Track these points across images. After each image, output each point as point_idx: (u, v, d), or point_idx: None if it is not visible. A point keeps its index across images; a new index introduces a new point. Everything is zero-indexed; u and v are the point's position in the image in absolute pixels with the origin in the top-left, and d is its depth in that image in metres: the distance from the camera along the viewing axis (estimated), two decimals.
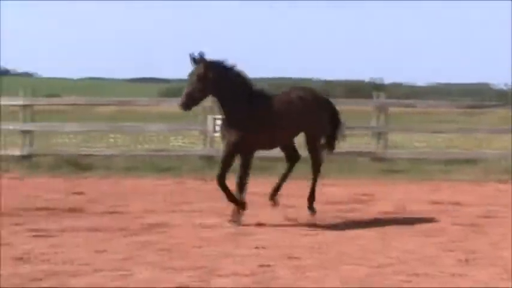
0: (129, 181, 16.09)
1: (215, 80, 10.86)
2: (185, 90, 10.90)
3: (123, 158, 18.36)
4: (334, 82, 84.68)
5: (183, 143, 22.20)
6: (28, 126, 18.39)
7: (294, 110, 11.53)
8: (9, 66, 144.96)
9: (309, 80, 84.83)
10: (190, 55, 10.88)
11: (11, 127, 19.15)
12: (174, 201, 13.36)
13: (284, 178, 12.11)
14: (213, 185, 15.39)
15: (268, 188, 12.12)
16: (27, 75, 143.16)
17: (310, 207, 11.94)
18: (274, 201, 11.98)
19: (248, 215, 11.53)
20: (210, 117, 18.03)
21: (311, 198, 11.97)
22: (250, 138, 11.15)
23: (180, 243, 9.75)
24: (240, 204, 11.26)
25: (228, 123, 11.23)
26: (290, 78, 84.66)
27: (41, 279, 7.68)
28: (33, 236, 10.01)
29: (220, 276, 8.00)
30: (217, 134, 17.84)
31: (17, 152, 18.29)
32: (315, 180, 11.99)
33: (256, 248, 9.50)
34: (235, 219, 11.19)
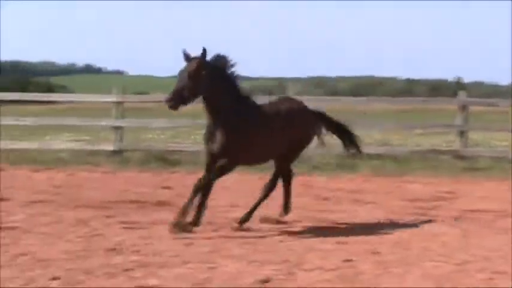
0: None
1: (207, 80, 9.71)
2: (174, 88, 9.70)
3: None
4: (417, 81, 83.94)
5: None
6: (119, 123, 18.58)
7: (283, 121, 10.44)
8: (101, 64, 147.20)
9: (393, 79, 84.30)
10: (183, 51, 9.79)
11: (103, 123, 19.39)
12: (257, 196, 13.34)
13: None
14: (298, 181, 15.46)
15: (354, 185, 12.02)
16: (117, 73, 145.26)
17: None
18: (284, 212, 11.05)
19: (333, 211, 11.48)
20: None
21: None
22: (242, 144, 10.01)
23: (265, 237, 9.74)
24: (197, 219, 9.94)
25: (217, 128, 9.93)
26: (373, 77, 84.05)
27: (132, 269, 7.75)
28: (124, 228, 10.12)
29: (305, 270, 7.97)
30: None
31: (109, 147, 18.50)
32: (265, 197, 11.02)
33: (340, 243, 9.44)
34: (178, 225, 9.79)
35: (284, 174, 11.05)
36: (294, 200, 12.69)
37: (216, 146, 9.92)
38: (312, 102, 22.02)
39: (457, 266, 8.21)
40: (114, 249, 8.71)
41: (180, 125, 21.20)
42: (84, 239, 9.27)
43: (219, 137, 9.88)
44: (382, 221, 11.16)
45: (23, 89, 41.01)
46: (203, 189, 9.93)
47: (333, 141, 20.30)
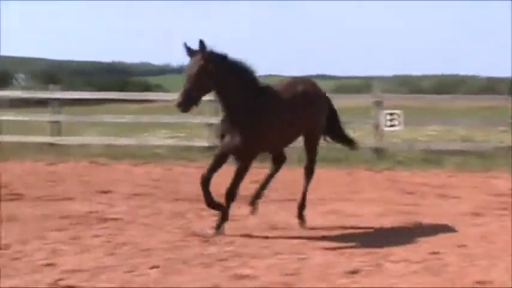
0: (303, 172, 16.09)
1: (217, 74, 8.77)
2: (183, 88, 8.70)
3: (298, 150, 18.37)
4: (497, 78, 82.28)
5: (356, 136, 22.05)
6: (212, 120, 18.71)
7: (300, 106, 9.57)
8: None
9: (474, 78, 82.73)
10: (184, 45, 8.84)
11: (197, 120, 19.54)
12: (346, 190, 13.33)
13: (268, 180, 10.33)
14: (383, 176, 15.39)
15: (439, 180, 11.89)
16: None
17: (300, 216, 10.10)
18: (254, 206, 10.15)
19: (419, 205, 11.41)
20: (383, 112, 17.85)
21: (302, 205, 10.19)
22: (260, 139, 9.18)
23: (355, 230, 9.71)
24: (226, 215, 9.32)
25: (233, 123, 9.04)
26: (457, 75, 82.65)
27: (226, 260, 7.84)
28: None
29: (391, 261, 7.95)
30: (391, 128, 17.78)
31: (203, 143, 18.65)
32: (308, 185, 10.33)
33: (425, 236, 9.36)
34: (218, 227, 9.23)
35: (278, 161, 10.29)
36: (380, 194, 12.69)
37: (231, 144, 9.04)
38: (397, 100, 21.98)
39: None
40: (207, 241, 8.83)
41: None
42: (181, 230, 9.40)
43: (234, 134, 9.00)
44: (467, 215, 11.01)
45: (122, 89, 41.56)
46: (230, 196, 9.24)
47: (417, 136, 20.18)
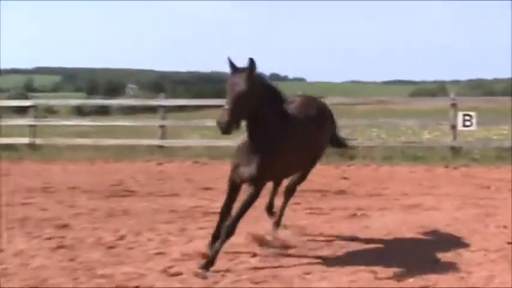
0: (386, 168, 16.01)
1: (260, 97, 7.04)
2: (227, 106, 6.79)
3: (381, 149, 18.25)
4: None
5: (433, 135, 21.73)
6: None
7: (315, 131, 8.09)
8: (285, 73, 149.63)
9: None
10: (228, 60, 7.05)
11: None
12: (425, 186, 13.16)
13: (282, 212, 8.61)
14: (459, 172, 15.13)
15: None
16: (299, 80, 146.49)
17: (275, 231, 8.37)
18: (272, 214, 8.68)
19: (494, 199, 11.21)
20: (460, 113, 17.58)
21: (279, 220, 8.52)
22: (278, 168, 7.58)
23: (434, 222, 9.56)
24: (216, 255, 7.05)
25: (256, 149, 7.24)
26: None
27: (321, 248, 7.83)
28: (309, 213, 10.19)
29: (471, 251, 7.81)
30: (465, 128, 17.53)
31: None
32: (286, 205, 8.69)
33: (501, 227, 9.15)
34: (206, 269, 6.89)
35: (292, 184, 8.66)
36: (456, 188, 12.47)
37: (251, 170, 7.24)
38: (470, 102, 21.62)
39: None
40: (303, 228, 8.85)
41: (356, 124, 21.11)
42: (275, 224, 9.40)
43: (253, 161, 7.23)
44: None
45: (218, 96, 41.89)
46: (231, 231, 7.19)
47: (490, 135, 19.78)
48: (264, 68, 7.13)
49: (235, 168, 7.43)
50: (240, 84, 6.85)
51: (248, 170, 7.26)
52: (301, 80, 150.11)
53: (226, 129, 6.73)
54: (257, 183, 7.29)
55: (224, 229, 7.16)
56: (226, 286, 6.44)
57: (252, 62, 6.92)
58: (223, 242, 7.08)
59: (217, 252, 7.00)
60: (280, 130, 7.36)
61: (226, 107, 6.74)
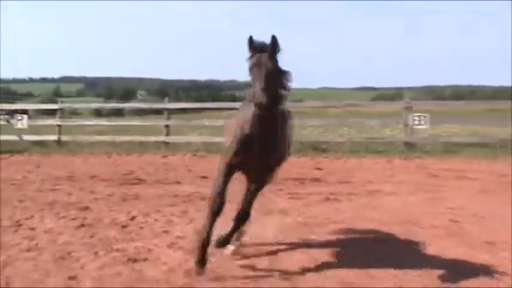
0: (354, 160, 16.05)
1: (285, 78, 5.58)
2: (261, 86, 5.13)
3: (350, 144, 18.30)
4: (501, 87, 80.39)
5: (394, 133, 21.80)
6: None
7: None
8: None
9: (482, 87, 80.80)
10: (250, 38, 5.40)
11: None
12: (385, 175, 13.23)
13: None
14: (414, 163, 15.19)
15: (457, 166, 11.50)
16: None
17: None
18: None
19: (444, 186, 11.24)
20: (416, 114, 17.73)
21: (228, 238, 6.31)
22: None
23: (391, 204, 9.63)
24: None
25: (274, 140, 5.60)
26: (470, 85, 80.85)
27: (297, 228, 7.87)
28: (290, 198, 10.24)
29: (421, 228, 7.88)
30: (420, 127, 17.64)
31: None
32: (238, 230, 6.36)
33: (449, 208, 9.23)
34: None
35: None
36: (411, 177, 12.51)
37: (266, 159, 5.71)
38: (424, 106, 21.69)
39: None
40: (284, 211, 8.86)
41: (328, 123, 21.15)
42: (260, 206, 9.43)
43: (273, 147, 5.64)
44: (480, 192, 10.82)
45: (214, 100, 42.03)
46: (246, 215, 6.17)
47: (440, 132, 19.85)
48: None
49: (237, 154, 5.69)
50: (271, 62, 5.35)
51: (261, 169, 5.82)
52: None
53: (269, 108, 5.15)
54: (270, 180, 6.10)
55: (239, 216, 6.09)
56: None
57: (274, 39, 5.39)
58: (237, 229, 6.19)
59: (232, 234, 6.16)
60: (284, 123, 5.80)
61: (260, 86, 5.15)
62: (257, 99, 5.10)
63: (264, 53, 5.39)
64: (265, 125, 5.47)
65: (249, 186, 6.16)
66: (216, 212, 5.74)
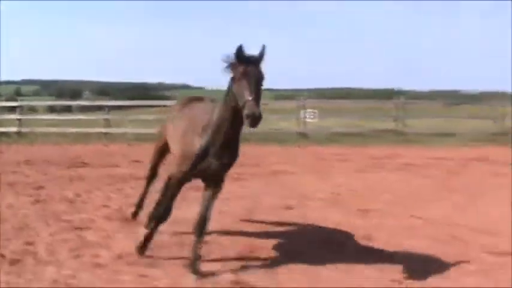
0: (262, 147, 16.03)
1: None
2: (252, 97, 4.28)
3: (259, 135, 18.27)
4: (380, 90, 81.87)
5: (291, 125, 22.09)
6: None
7: None
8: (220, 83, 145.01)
9: (360, 89, 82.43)
10: (240, 48, 4.42)
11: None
12: (285, 158, 13.42)
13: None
14: (306, 150, 15.44)
15: (340, 151, 11.68)
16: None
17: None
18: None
19: (330, 167, 11.48)
20: (302, 111, 18.34)
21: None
22: None
23: (290, 182, 9.75)
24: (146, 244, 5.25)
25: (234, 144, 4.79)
26: (349, 88, 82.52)
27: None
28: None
29: (311, 199, 8.05)
30: (311, 120, 18.12)
31: None
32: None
33: (334, 185, 9.47)
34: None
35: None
36: (304, 160, 12.73)
37: (223, 169, 4.88)
38: (314, 103, 22.06)
39: None
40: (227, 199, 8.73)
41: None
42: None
43: (232, 151, 4.82)
44: (358, 172, 11.15)
45: (146, 99, 41.61)
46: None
47: (326, 124, 20.28)
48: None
49: (195, 165, 4.75)
50: (259, 73, 4.47)
51: (220, 166, 4.80)
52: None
53: (260, 119, 4.21)
54: (223, 180, 5.07)
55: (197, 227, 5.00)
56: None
57: (264, 49, 4.53)
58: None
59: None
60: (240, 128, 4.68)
61: (250, 97, 4.28)
62: (249, 110, 4.20)
63: (252, 63, 4.45)
64: (234, 132, 4.62)
65: (207, 190, 5.06)
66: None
